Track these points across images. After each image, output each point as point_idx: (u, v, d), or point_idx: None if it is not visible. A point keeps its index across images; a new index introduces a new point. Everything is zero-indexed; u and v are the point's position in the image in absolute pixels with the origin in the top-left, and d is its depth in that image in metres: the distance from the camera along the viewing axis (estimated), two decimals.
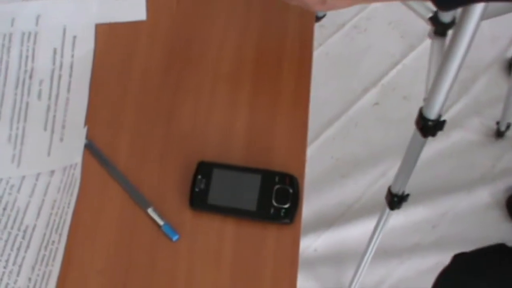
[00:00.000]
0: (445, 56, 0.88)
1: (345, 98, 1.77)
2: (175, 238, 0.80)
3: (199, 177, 0.82)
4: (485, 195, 1.66)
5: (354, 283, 1.42)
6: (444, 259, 1.50)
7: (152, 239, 0.81)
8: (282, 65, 0.92)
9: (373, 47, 1.87)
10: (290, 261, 0.80)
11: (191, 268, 0.79)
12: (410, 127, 1.61)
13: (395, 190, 1.11)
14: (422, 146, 1.01)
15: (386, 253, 1.55)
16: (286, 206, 0.81)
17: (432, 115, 0.95)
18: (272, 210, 0.81)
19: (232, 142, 0.87)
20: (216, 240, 0.81)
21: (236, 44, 0.93)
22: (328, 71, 1.80)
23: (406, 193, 1.12)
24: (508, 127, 1.73)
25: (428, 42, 1.81)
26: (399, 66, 1.85)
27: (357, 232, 1.58)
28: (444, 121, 0.97)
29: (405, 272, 1.56)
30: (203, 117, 0.88)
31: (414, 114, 1.61)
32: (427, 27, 1.67)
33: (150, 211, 0.82)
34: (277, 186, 0.82)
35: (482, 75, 1.83)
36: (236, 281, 0.79)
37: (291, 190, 0.82)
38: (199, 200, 0.82)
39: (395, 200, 1.12)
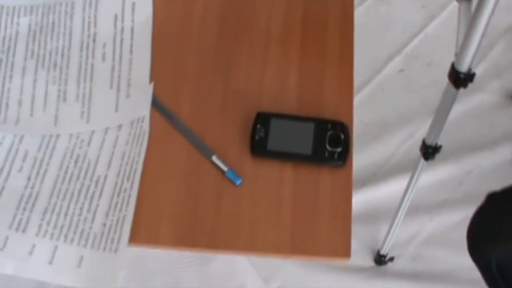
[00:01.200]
0: (475, 11, 0.94)
1: (372, 66, 1.84)
2: (238, 182, 0.87)
3: (258, 126, 0.89)
4: (507, 153, 1.72)
5: (388, 238, 1.48)
6: (471, 214, 1.57)
7: (217, 185, 0.88)
8: (327, 26, 0.99)
9: (396, 18, 1.94)
10: (345, 199, 0.86)
11: (254, 210, 0.86)
12: (434, 92, 1.69)
13: (429, 141, 1.18)
14: (454, 98, 1.07)
15: (417, 210, 1.62)
16: (339, 150, 0.88)
17: (463, 68, 1.02)
18: (326, 154, 0.88)
19: (286, 95, 0.93)
20: (276, 183, 0.87)
21: (283, 10, 1.00)
22: (355, 41, 1.86)
23: (439, 144, 1.18)
24: None
25: (447, 11, 1.90)
26: (421, 35, 1.92)
27: (389, 190, 1.65)
28: (474, 74, 1.03)
29: (435, 227, 1.63)
30: (258, 73, 0.95)
31: (437, 79, 1.69)
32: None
33: (214, 158, 0.88)
34: (329, 132, 0.89)
35: (498, 41, 1.89)
36: (296, 221, 0.85)
37: (342, 136, 0.88)
38: (259, 147, 0.88)
39: (429, 151, 1.19)
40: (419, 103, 1.79)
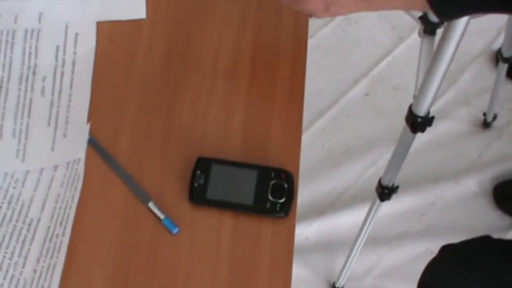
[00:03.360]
0: (434, 56, 0.91)
1: (336, 89, 1.81)
2: (175, 231, 0.84)
3: (198, 172, 0.86)
4: (472, 184, 1.70)
5: (344, 270, 1.46)
6: (432, 246, 1.55)
7: (153, 233, 0.84)
8: (278, 62, 0.95)
9: (363, 39, 1.90)
10: (285, 252, 0.83)
11: (191, 260, 0.83)
12: (400, 117, 1.65)
13: (385, 182, 1.15)
14: (411, 141, 1.04)
15: (376, 241, 1.59)
16: (282, 200, 0.84)
17: (421, 112, 0.99)
18: (268, 205, 0.84)
19: (230, 138, 0.90)
20: (214, 233, 0.84)
21: (233, 42, 0.96)
22: (319, 63, 1.83)
23: (396, 185, 1.16)
24: (494, 117, 1.77)
25: (417, 34, 1.85)
26: (389, 58, 1.89)
27: (347, 220, 1.62)
28: (432, 117, 1.00)
29: (395, 259, 1.60)
30: (202, 113, 0.91)
31: (404, 104, 1.65)
32: (416, 23, 1.71)
33: (151, 205, 0.85)
34: (273, 182, 0.85)
35: (469, 67, 1.86)
36: (234, 272, 0.82)
37: (286, 185, 0.85)
38: (198, 194, 0.85)
39: (385, 192, 1.16)
40: (384, 128, 1.76)
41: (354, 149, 1.73)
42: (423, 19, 1.14)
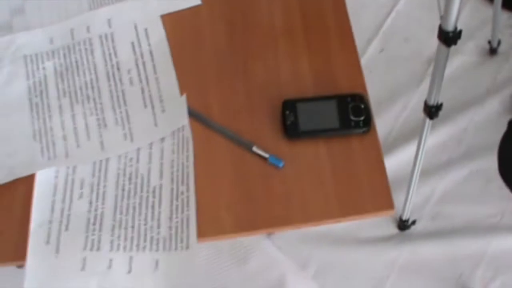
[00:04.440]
0: None
1: None
2: (281, 165, 0.96)
3: (287, 112, 0.98)
4: (495, 105, 1.84)
5: (407, 204, 1.59)
6: (474, 167, 1.70)
7: (262, 171, 0.96)
8: (323, 11, 1.09)
9: (366, 3, 2.06)
10: (377, 159, 0.96)
11: (301, 186, 0.95)
12: (416, 63, 1.81)
13: (430, 102, 1.28)
14: (447, 56, 1.17)
15: (426, 173, 1.72)
16: (362, 118, 0.97)
17: (450, 26, 1.12)
18: (352, 124, 0.97)
19: (303, 79, 1.03)
20: (314, 159, 0.97)
21: (282, 9, 1.10)
22: None
23: (440, 102, 1.29)
24: (499, 43, 1.92)
25: None
26: (392, 14, 2.05)
27: (395, 161, 1.74)
28: (461, 31, 1.14)
29: (446, 185, 1.74)
30: (273, 66, 1.04)
31: (417, 51, 1.81)
32: None
33: (254, 148, 0.97)
34: (351, 105, 0.98)
35: (464, 6, 2.02)
36: (339, 187, 0.94)
37: (362, 106, 0.98)
38: (292, 130, 0.98)
39: (432, 110, 1.29)
40: (404, 76, 1.91)
41: (384, 99, 1.86)
42: None
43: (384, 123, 1.83)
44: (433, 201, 1.72)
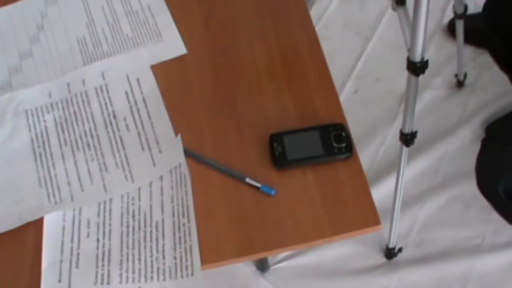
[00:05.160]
0: (415, 11, 1.16)
1: None
2: (272, 193, 1.03)
3: (275, 144, 1.07)
4: (467, 133, 1.95)
5: (392, 232, 1.66)
6: (453, 193, 1.79)
7: (256, 200, 1.04)
8: (300, 51, 1.18)
9: (337, 49, 2.18)
10: (361, 181, 1.04)
11: (293, 211, 1.02)
12: (388, 101, 1.92)
13: (405, 130, 1.37)
14: (417, 85, 1.27)
15: (407, 203, 1.81)
16: (344, 144, 1.06)
17: (417, 57, 1.23)
18: (335, 150, 1.05)
19: (287, 114, 1.11)
20: (303, 185, 1.04)
21: (263, 50, 1.19)
22: None
23: (414, 130, 1.38)
24: (465, 76, 2.05)
25: (378, 32, 2.15)
26: (363, 57, 2.18)
27: (377, 194, 1.83)
28: (427, 61, 1.24)
29: (427, 213, 1.83)
30: (258, 103, 1.13)
31: (389, 90, 1.91)
32: (375, 21, 2.00)
33: (247, 180, 1.05)
34: (333, 133, 1.07)
35: (430, 43, 2.15)
36: (328, 209, 1.02)
37: (343, 133, 1.07)
38: (281, 160, 1.06)
39: (408, 138, 1.38)
40: (379, 114, 2.02)
41: (361, 137, 1.96)
42: None
43: (364, 158, 1.91)
44: (416, 228, 1.80)
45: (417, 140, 1.40)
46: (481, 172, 1.28)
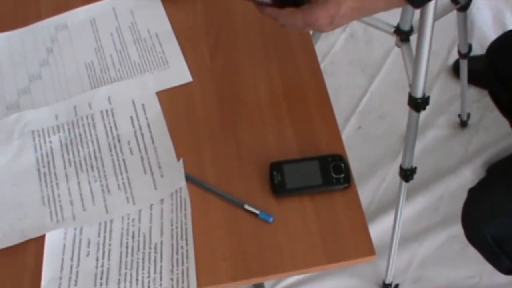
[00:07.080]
0: (417, 48, 1.19)
1: None
2: (270, 220, 1.05)
3: (275, 173, 1.09)
4: (468, 174, 1.97)
5: (390, 268, 1.67)
6: (452, 232, 1.80)
7: (254, 227, 1.05)
8: (303, 83, 1.21)
9: (342, 86, 2.22)
10: (357, 211, 1.05)
11: (290, 239, 1.04)
12: (391, 138, 1.94)
13: (405, 165, 1.39)
14: (417, 121, 1.30)
15: (406, 240, 1.82)
16: (342, 175, 1.08)
17: (419, 94, 1.26)
18: (334, 181, 1.07)
19: (287, 144, 1.13)
20: (300, 213, 1.06)
21: (266, 81, 1.22)
22: None
23: (414, 166, 1.40)
24: (468, 116, 2.07)
25: (384, 69, 2.18)
26: (367, 94, 2.21)
27: (376, 230, 1.85)
28: (428, 97, 1.27)
29: (426, 250, 1.84)
30: (260, 133, 1.15)
31: (392, 128, 1.94)
32: (381, 59, 2.04)
33: (246, 206, 1.07)
34: (332, 164, 1.09)
35: (435, 84, 2.18)
36: (325, 238, 1.03)
37: (342, 164, 1.09)
38: (280, 188, 1.08)
39: (407, 173, 1.40)
40: (381, 151, 2.04)
41: (363, 173, 1.99)
42: (397, 31, 1.42)
43: (364, 194, 1.94)
44: (414, 265, 1.81)
45: (418, 178, 1.42)
46: (468, 224, 1.29)
